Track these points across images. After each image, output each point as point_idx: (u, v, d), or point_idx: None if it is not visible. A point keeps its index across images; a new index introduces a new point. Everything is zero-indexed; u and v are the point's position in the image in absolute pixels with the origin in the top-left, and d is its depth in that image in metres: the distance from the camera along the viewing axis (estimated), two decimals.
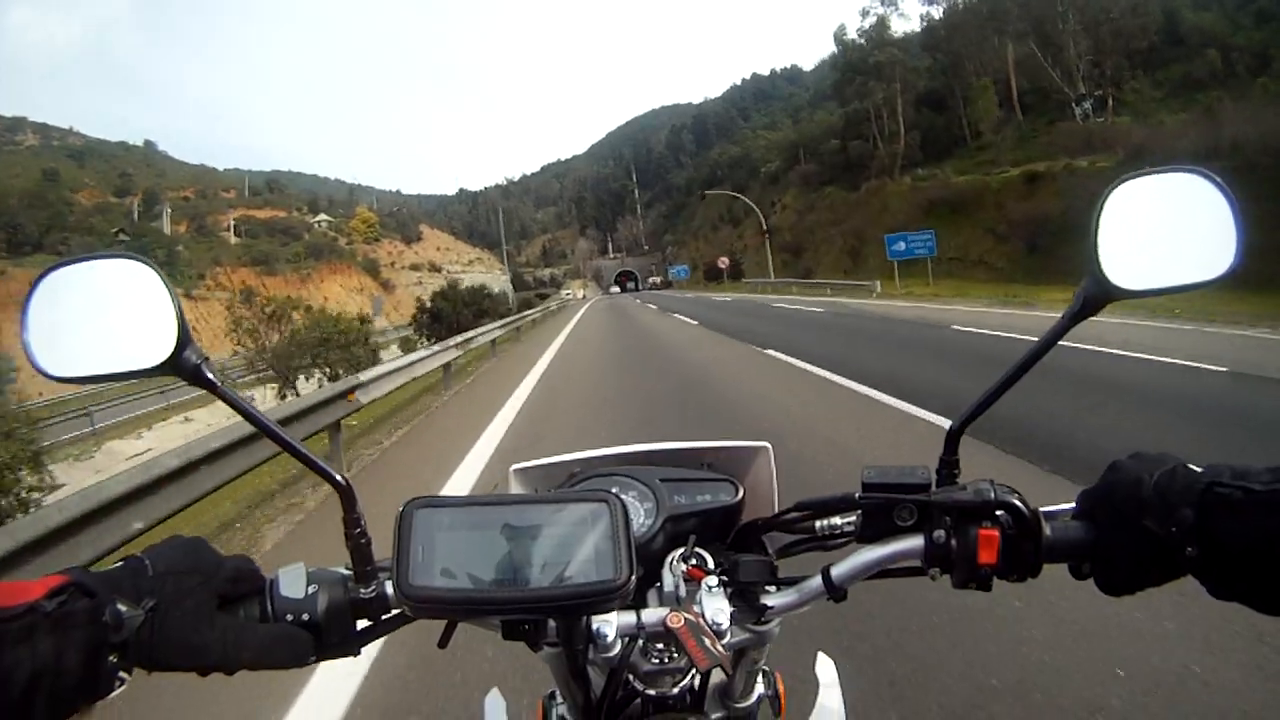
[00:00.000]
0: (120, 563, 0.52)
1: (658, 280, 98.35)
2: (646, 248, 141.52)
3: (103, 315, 0.57)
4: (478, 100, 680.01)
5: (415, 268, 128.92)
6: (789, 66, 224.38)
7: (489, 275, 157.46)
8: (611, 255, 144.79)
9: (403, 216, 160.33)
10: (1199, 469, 0.51)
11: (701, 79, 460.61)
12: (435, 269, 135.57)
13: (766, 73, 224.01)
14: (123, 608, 0.49)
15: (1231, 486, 0.48)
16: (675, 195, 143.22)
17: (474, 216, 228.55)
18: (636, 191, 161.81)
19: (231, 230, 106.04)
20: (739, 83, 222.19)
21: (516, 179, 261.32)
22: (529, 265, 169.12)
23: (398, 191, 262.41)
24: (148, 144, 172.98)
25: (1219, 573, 0.49)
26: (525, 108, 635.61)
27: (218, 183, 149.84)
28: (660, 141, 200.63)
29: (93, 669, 0.46)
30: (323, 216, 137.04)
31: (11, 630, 0.43)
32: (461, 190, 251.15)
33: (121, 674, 0.48)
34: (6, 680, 0.42)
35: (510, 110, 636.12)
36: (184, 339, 0.56)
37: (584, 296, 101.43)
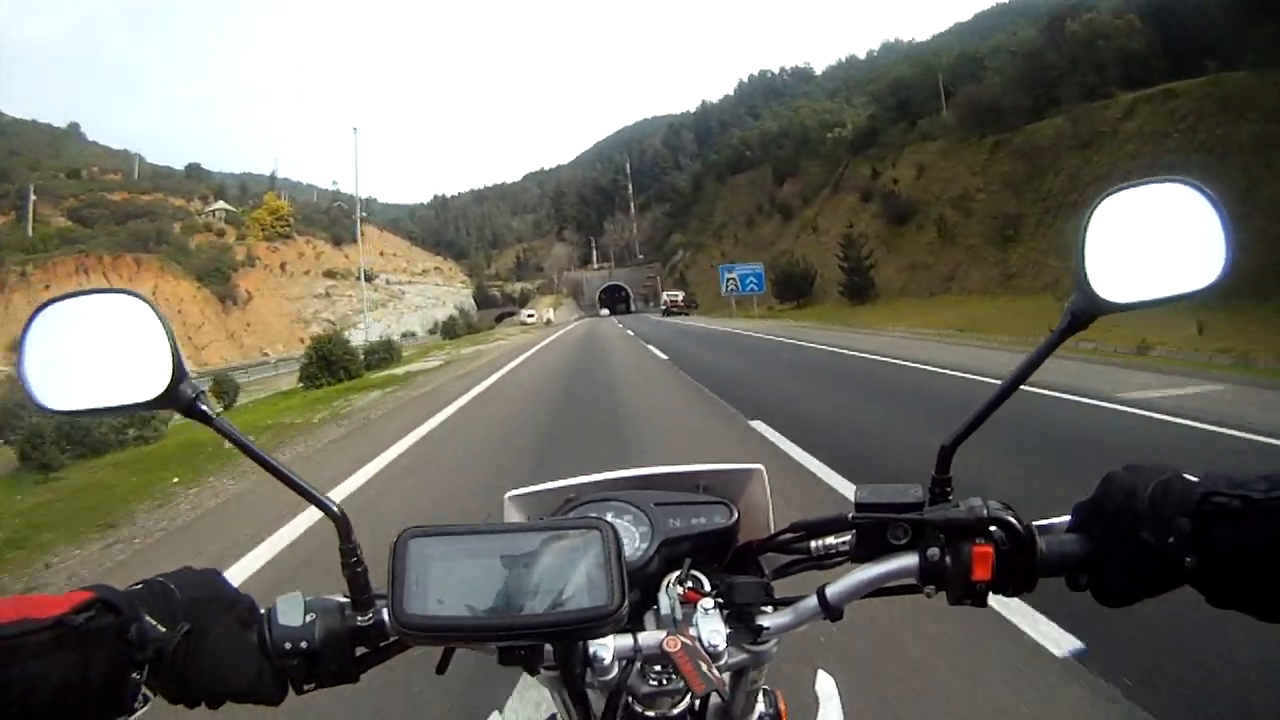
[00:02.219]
0: (140, 584, 0.52)
1: (678, 298, 59.78)
2: (641, 257, 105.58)
3: (99, 349, 0.56)
4: (459, 107, 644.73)
5: (335, 274, 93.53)
6: (802, 65, 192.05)
7: (447, 288, 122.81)
8: (596, 265, 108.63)
9: (336, 213, 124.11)
10: (1194, 479, 0.50)
11: (696, 87, 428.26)
12: (367, 278, 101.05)
13: (776, 70, 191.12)
14: (151, 625, 0.48)
15: (1228, 495, 0.47)
16: (681, 195, 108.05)
17: (441, 222, 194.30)
18: (630, 186, 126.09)
19: (32, 215, 69.82)
20: (745, 80, 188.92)
21: (492, 185, 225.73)
22: (499, 278, 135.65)
23: (373, 199, 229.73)
24: (72, 126, 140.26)
25: (1218, 582, 0.48)
26: (509, 116, 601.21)
27: (121, 168, 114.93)
28: (654, 146, 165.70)
29: (117, 685, 0.46)
30: (220, 205, 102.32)
31: (40, 641, 0.43)
32: (435, 196, 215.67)
33: (145, 692, 0.48)
34: (33, 691, 0.42)
35: (493, 118, 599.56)
36: (179, 373, 0.56)
37: (548, 322, 63.87)
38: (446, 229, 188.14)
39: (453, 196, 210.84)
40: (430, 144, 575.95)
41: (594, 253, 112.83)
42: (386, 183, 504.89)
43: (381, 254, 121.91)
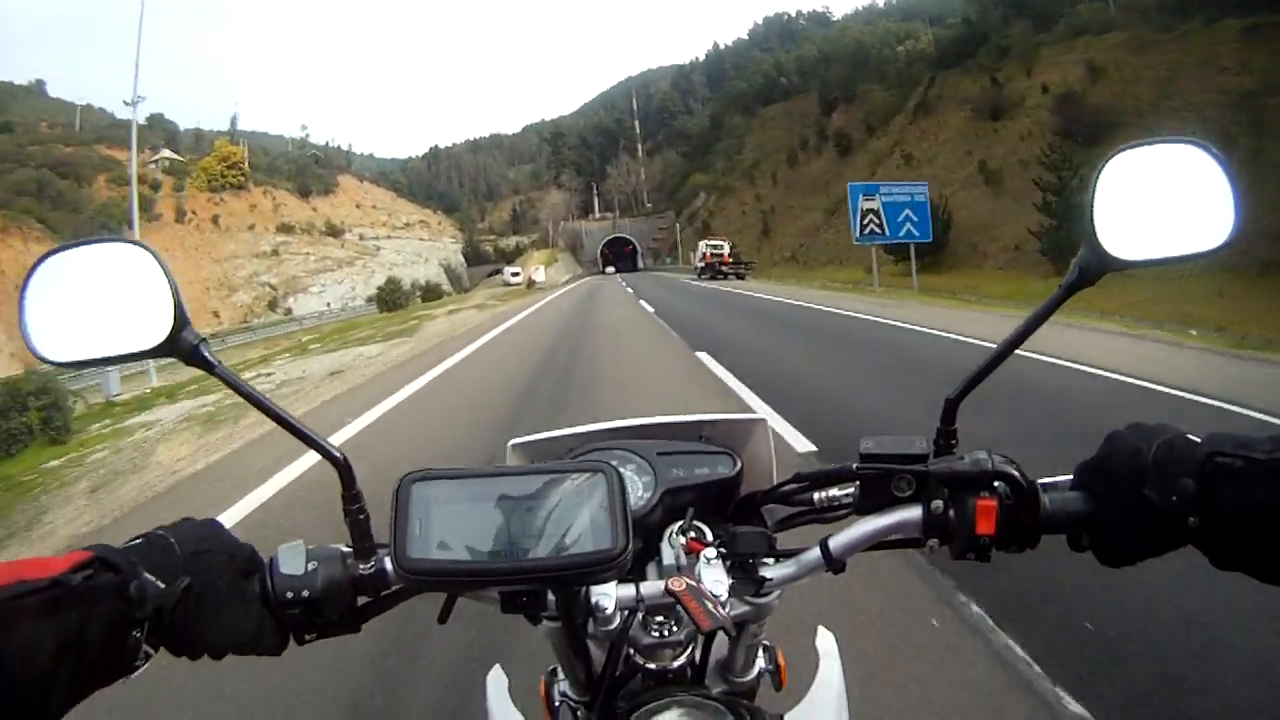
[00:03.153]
0: (140, 539, 0.51)
1: (722, 250, 38.37)
2: (650, 205, 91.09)
3: (100, 298, 0.56)
4: (457, 57, 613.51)
5: (292, 229, 79.52)
6: (819, 10, 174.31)
7: (432, 244, 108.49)
8: (598, 215, 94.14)
9: (304, 161, 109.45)
10: (1198, 439, 0.50)
11: (704, 36, 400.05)
12: (333, 233, 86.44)
13: (793, 12, 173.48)
14: (151, 581, 0.47)
15: (1233, 456, 0.46)
16: (698, 135, 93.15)
17: (433, 174, 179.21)
18: (637, 125, 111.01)
19: None
20: (760, 22, 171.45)
21: (489, 135, 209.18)
22: (492, 233, 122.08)
23: (370, 155, 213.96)
24: (37, 84, 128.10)
25: (1221, 542, 0.48)
26: (510, 66, 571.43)
27: (69, 120, 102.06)
28: (662, 90, 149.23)
29: (117, 645, 0.45)
30: (165, 153, 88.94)
31: (36, 603, 0.42)
32: (433, 148, 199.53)
33: (146, 650, 0.47)
34: (32, 653, 0.41)
35: (493, 69, 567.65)
36: (181, 320, 0.55)
37: (531, 283, 49.80)
38: (439, 180, 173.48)
39: (447, 148, 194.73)
40: (427, 97, 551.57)
41: (595, 201, 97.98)
42: (381, 136, 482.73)
43: (358, 206, 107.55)
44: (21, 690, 0.40)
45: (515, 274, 53.23)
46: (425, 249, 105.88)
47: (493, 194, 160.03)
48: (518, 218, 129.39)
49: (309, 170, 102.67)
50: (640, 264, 78.40)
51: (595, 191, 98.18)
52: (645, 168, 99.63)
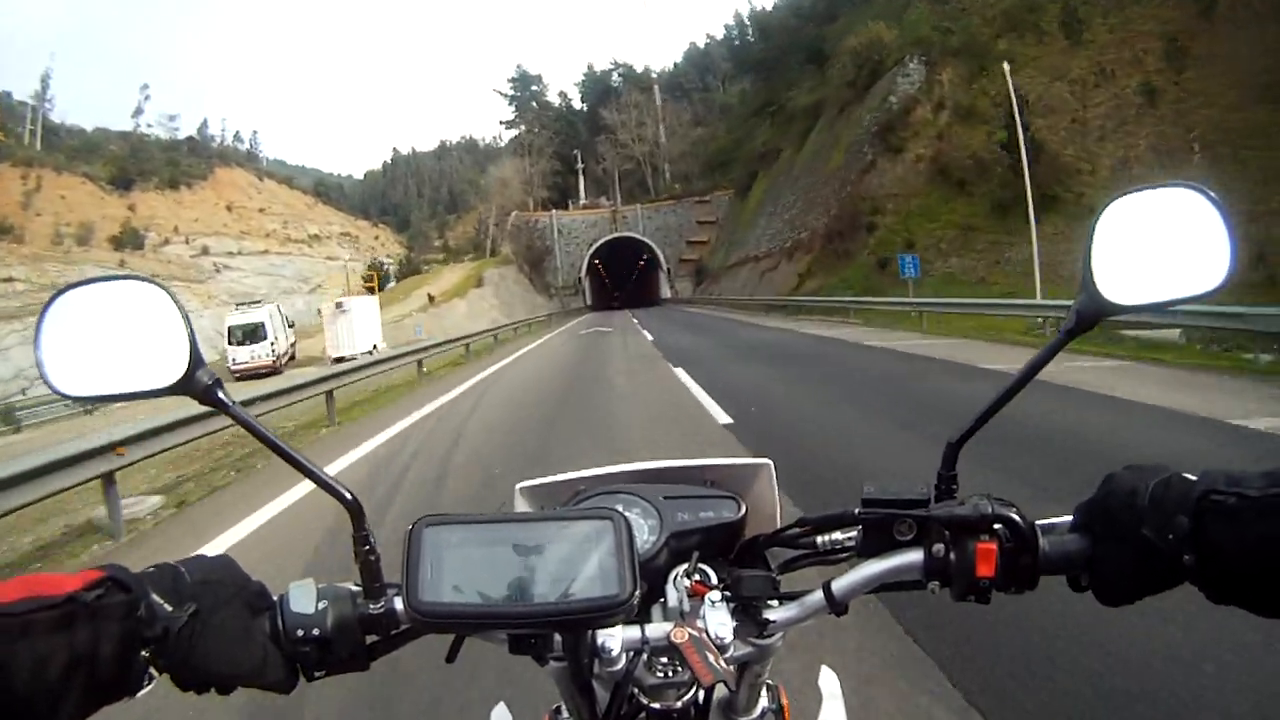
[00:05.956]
0: (152, 568, 0.52)
1: None
2: (678, 187, 53.84)
3: (115, 336, 0.56)
4: (432, 64, 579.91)
5: (10, 233, 43.75)
6: None
7: (347, 264, 68.06)
8: (584, 201, 56.46)
9: (138, 141, 73.86)
10: (1193, 477, 0.50)
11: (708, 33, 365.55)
12: (123, 242, 50.83)
13: None
14: (159, 603, 0.48)
15: (1226, 493, 0.47)
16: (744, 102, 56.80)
17: (388, 181, 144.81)
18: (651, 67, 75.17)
19: None
20: None
21: (456, 140, 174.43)
22: (449, 249, 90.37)
23: (349, 176, 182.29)
24: None
25: (1217, 578, 0.48)
26: (495, 80, 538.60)
27: None
28: (673, 67, 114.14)
29: (124, 663, 0.46)
30: None
31: (51, 618, 0.43)
32: (394, 153, 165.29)
33: (151, 671, 0.48)
34: (45, 666, 0.42)
35: (473, 79, 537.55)
36: (196, 360, 0.56)
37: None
38: (394, 189, 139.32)
39: (407, 155, 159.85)
40: (396, 112, 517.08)
41: (581, 180, 60.78)
42: (344, 154, 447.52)
43: (229, 209, 72.47)
44: (32, 702, 0.42)
45: (246, 331, 17.00)
46: (326, 271, 69.99)
47: (456, 203, 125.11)
48: (483, 229, 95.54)
49: (143, 154, 67.50)
50: (667, 289, 42.69)
51: (579, 165, 61.37)
52: (665, 122, 62.53)
